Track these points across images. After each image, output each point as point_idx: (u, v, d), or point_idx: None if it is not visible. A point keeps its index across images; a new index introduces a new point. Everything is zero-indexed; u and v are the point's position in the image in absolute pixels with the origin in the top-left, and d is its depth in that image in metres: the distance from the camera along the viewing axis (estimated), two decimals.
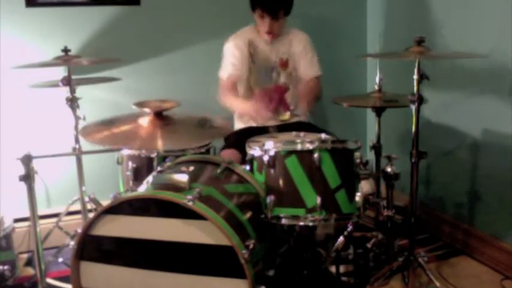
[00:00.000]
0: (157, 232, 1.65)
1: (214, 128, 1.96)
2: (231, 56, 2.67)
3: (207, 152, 2.48)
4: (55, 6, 2.68)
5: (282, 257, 2.17)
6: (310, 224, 1.89)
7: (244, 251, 1.57)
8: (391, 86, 2.48)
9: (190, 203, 1.59)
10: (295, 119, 2.73)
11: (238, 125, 2.80)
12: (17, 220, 2.45)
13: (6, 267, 2.27)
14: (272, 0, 2.52)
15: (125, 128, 1.83)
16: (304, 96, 2.60)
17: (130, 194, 1.81)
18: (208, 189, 1.77)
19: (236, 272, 1.58)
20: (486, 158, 2.44)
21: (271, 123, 2.70)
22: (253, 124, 2.74)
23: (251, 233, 1.74)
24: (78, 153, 2.45)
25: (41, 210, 2.16)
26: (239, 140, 2.12)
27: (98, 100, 2.70)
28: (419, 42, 1.95)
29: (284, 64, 2.68)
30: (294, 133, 2.26)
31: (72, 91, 2.35)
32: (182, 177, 1.74)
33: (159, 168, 1.99)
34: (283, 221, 1.91)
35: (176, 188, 1.71)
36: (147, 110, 1.81)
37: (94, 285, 1.74)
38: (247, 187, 1.96)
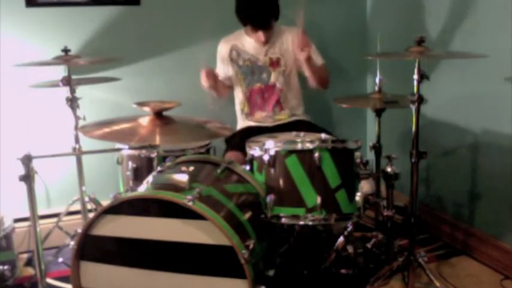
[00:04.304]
0: (157, 232, 1.65)
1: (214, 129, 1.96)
2: (218, 61, 2.77)
3: (207, 152, 2.48)
4: (55, 6, 2.67)
5: (282, 257, 2.17)
6: (310, 223, 1.90)
7: (244, 251, 1.58)
8: (390, 86, 2.48)
9: (190, 203, 1.59)
10: (294, 118, 2.73)
11: (240, 124, 2.81)
12: (17, 220, 2.45)
13: (6, 267, 2.26)
14: (261, 16, 2.54)
15: (124, 126, 1.83)
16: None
17: (130, 194, 1.81)
18: (208, 189, 1.78)
19: (236, 272, 1.58)
20: (486, 158, 2.44)
21: (270, 122, 2.71)
22: (252, 123, 2.74)
23: (251, 233, 1.74)
24: (78, 153, 2.45)
25: (41, 210, 2.16)
26: (242, 141, 2.12)
27: (98, 100, 2.70)
28: (419, 42, 1.95)
29: (275, 64, 2.68)
30: (294, 133, 2.26)
31: (72, 91, 2.35)
32: (182, 177, 1.74)
33: (159, 168, 1.99)
34: (283, 221, 1.91)
35: (176, 188, 1.72)
36: (147, 109, 1.82)
37: (94, 285, 1.74)
38: (247, 187, 1.96)
